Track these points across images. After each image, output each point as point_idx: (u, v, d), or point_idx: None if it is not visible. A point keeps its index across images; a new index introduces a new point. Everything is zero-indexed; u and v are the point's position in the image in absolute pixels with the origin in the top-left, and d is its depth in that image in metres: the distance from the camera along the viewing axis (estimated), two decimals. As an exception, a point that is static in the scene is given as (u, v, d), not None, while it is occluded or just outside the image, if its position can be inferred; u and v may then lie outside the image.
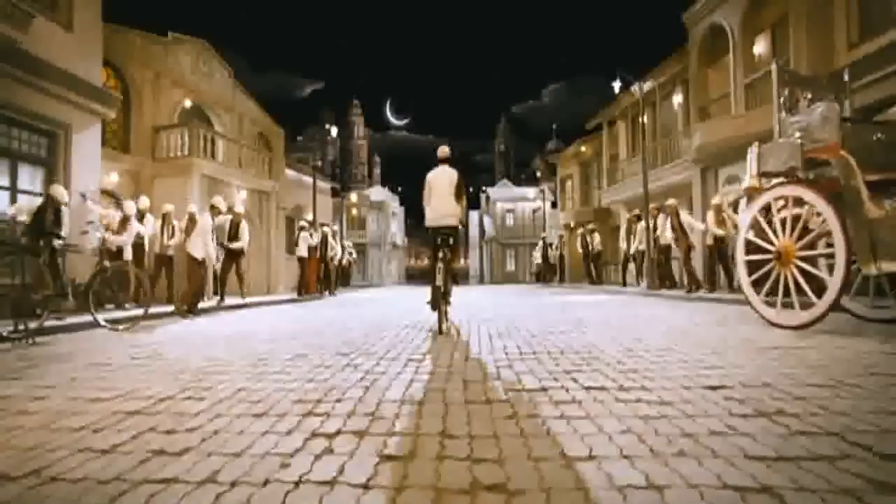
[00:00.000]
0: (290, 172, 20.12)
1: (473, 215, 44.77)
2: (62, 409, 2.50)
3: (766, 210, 5.41)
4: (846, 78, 5.76)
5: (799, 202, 5.03)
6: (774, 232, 5.26)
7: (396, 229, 41.59)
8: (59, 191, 7.01)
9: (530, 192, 33.73)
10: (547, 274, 22.42)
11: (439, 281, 5.49)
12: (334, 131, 18.91)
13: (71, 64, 8.41)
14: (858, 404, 2.28)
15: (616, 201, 18.22)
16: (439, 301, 5.46)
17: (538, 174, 45.66)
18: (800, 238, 5.06)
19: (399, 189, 52.04)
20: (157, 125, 12.31)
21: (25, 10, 6.81)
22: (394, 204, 41.40)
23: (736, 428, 1.99)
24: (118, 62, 11.54)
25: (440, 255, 5.60)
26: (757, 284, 5.50)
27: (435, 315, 5.52)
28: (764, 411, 2.19)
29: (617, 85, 13.24)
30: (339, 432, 2.07)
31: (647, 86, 15.40)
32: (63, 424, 2.23)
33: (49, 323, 5.63)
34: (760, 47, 11.16)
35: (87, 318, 6.24)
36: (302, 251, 13.27)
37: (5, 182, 7.73)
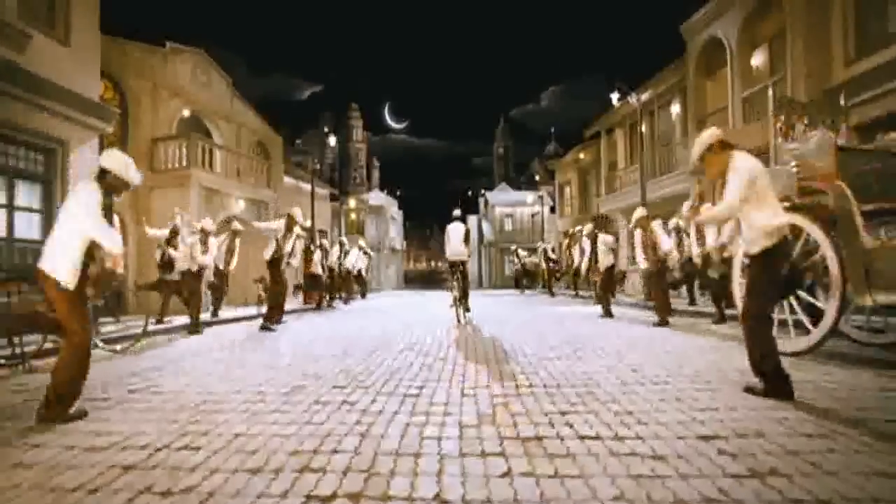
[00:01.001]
0: (288, 179, 20.10)
1: (472, 220, 44.69)
2: (58, 461, 2.50)
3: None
4: (843, 102, 5.79)
5: (794, 230, 5.05)
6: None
7: (395, 233, 41.60)
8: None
9: (529, 196, 33.78)
10: (525, 282, 23.52)
11: (456, 292, 8.94)
12: (332, 141, 18.91)
13: (68, 80, 8.40)
14: (849, 461, 2.29)
15: (614, 210, 18.25)
16: (456, 303, 8.91)
17: (537, 178, 45.68)
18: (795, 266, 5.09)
19: (398, 192, 52.08)
20: (155, 136, 12.30)
21: (22, 31, 6.80)
22: (392, 208, 41.43)
23: (728, 493, 2.01)
24: (116, 74, 11.53)
25: (456, 277, 8.99)
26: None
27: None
28: (756, 470, 2.21)
29: (615, 97, 13.26)
30: (334, 495, 2.08)
31: (646, 95, 15.43)
32: (59, 483, 2.24)
33: (46, 345, 5.63)
34: (758, 61, 11.18)
35: None
36: (317, 268, 13.32)
37: (2, 200, 7.72)
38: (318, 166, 35.55)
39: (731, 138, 11.11)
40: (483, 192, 47.81)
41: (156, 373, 4.81)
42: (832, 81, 8.85)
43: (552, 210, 32.42)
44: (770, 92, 5.49)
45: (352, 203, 28.26)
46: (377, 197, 43.00)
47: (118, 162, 3.52)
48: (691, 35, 12.56)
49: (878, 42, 8.12)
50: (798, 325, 4.99)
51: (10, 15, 6.91)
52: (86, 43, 8.93)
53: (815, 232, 4.76)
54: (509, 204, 41.74)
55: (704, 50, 12.26)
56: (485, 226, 42.63)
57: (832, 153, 4.75)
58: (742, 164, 3.60)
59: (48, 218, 8.29)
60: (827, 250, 4.65)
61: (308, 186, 19.92)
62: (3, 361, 5.02)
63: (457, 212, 9.62)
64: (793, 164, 4.98)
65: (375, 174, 73.94)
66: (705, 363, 4.74)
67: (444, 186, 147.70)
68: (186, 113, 13.84)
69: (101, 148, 10.05)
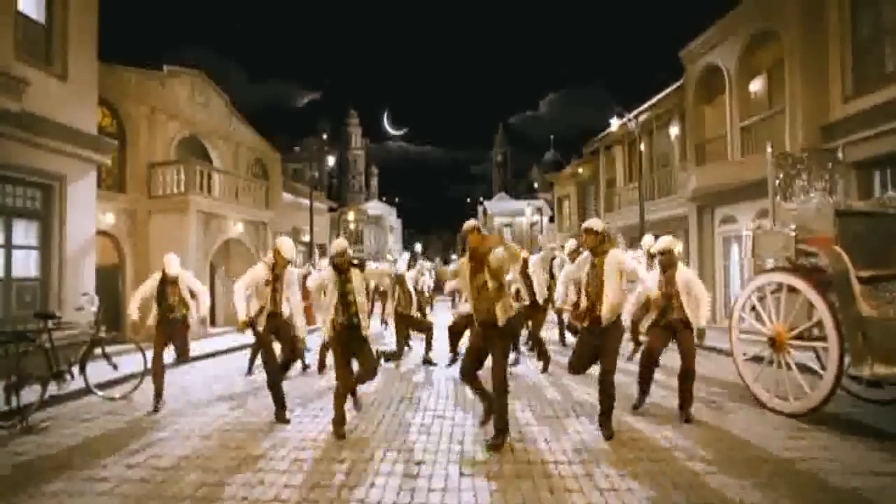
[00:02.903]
0: (286, 196, 20.08)
1: (470, 228, 44.68)
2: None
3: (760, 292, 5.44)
4: (840, 156, 5.81)
5: (792, 289, 5.05)
6: (769, 315, 5.29)
7: (394, 243, 41.63)
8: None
9: (528, 208, 33.78)
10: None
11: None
12: (331, 160, 18.86)
13: (66, 115, 8.38)
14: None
15: (613, 228, 18.28)
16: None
17: (536, 185, 45.72)
18: (793, 326, 5.09)
19: (397, 200, 52.00)
20: (152, 161, 12.27)
21: (20, 78, 6.78)
22: (391, 217, 41.45)
23: None
24: (113, 100, 11.48)
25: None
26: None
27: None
28: None
29: (614, 121, 13.27)
30: None
31: (644, 116, 15.46)
32: None
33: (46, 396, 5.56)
34: (757, 90, 11.21)
35: (82, 383, 6.18)
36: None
37: (0, 240, 7.69)
38: (315, 174, 35.57)
39: (731, 169, 10.86)
40: (482, 200, 47.87)
41: (155, 436, 4.79)
42: (830, 118, 8.89)
43: (551, 220, 32.47)
44: (768, 150, 5.47)
45: (350, 216, 28.26)
46: (376, 206, 43.01)
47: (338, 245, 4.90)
48: (690, 61, 12.58)
49: (876, 81, 8.15)
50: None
51: (7, 60, 6.89)
52: (84, 75, 8.92)
53: (811, 295, 4.77)
54: (508, 213, 41.77)
55: (703, 76, 12.28)
56: (483, 234, 42.61)
57: (831, 218, 4.76)
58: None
59: (45, 255, 8.28)
60: (824, 315, 4.66)
61: (306, 201, 19.90)
62: (3, 423, 4.98)
63: (454, 256, 12.44)
64: (791, 227, 4.99)
65: (374, 181, 73.69)
66: (708, 434, 4.67)
67: (443, 193, 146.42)
68: (186, 133, 13.83)
69: (99, 179, 10.01)
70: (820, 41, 9.00)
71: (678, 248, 5.34)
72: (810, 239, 4.92)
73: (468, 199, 61.56)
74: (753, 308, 5.52)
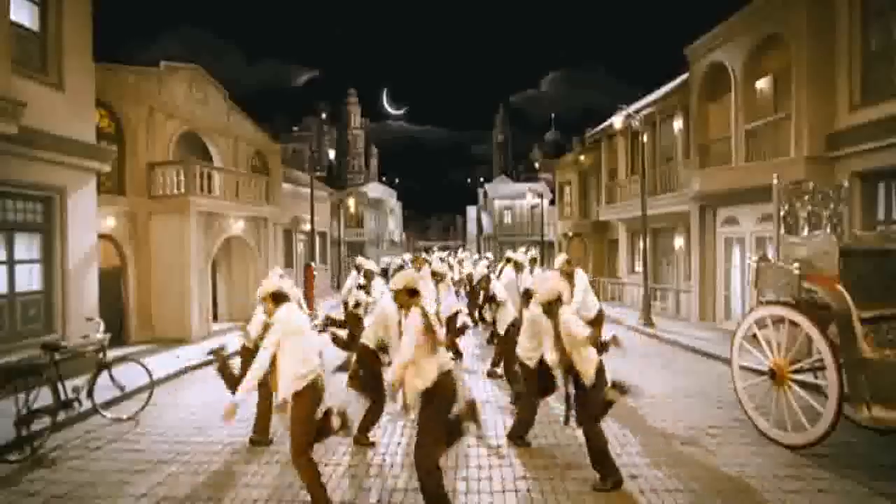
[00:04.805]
0: (286, 186, 19.96)
1: (471, 211, 44.58)
2: None
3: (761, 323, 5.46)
4: (846, 184, 5.76)
5: (794, 323, 5.07)
6: (769, 347, 5.32)
7: (394, 226, 41.56)
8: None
9: (529, 192, 33.48)
10: None
11: None
12: (332, 153, 18.69)
13: (64, 126, 8.29)
14: None
15: (615, 220, 18.26)
16: None
17: (537, 165, 45.35)
18: (794, 359, 5.13)
19: (396, 181, 51.75)
20: (152, 161, 12.15)
21: (18, 102, 6.67)
22: (392, 200, 41.31)
23: None
24: (111, 101, 11.28)
25: None
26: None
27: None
28: None
29: (617, 119, 13.08)
30: None
31: (648, 111, 15.26)
32: None
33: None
34: (763, 94, 11.03)
35: (89, 404, 6.24)
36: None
37: (3, 256, 7.68)
38: (315, 153, 35.34)
39: (734, 174, 10.77)
40: (482, 181, 47.62)
41: (164, 470, 4.85)
42: (836, 126, 8.79)
43: (552, 203, 32.33)
44: (774, 181, 5.42)
45: (350, 202, 28.13)
46: (376, 189, 42.77)
47: None
48: (695, 58, 12.33)
49: (884, 93, 8.01)
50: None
51: (3, 81, 6.76)
52: (80, 83, 8.79)
53: (813, 332, 4.79)
54: (508, 196, 41.51)
55: (708, 74, 12.06)
56: (484, 218, 42.53)
57: (836, 257, 4.75)
58: None
59: (48, 267, 8.28)
60: (825, 354, 4.69)
61: (306, 189, 19.79)
62: (13, 458, 5.06)
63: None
64: (795, 264, 4.98)
65: (374, 162, 73.02)
66: (702, 470, 4.74)
67: (443, 174, 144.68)
68: (185, 129, 13.68)
69: (99, 182, 9.90)
70: (828, 49, 8.84)
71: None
72: (814, 276, 4.92)
73: (468, 181, 61.31)
74: (755, 336, 5.55)
